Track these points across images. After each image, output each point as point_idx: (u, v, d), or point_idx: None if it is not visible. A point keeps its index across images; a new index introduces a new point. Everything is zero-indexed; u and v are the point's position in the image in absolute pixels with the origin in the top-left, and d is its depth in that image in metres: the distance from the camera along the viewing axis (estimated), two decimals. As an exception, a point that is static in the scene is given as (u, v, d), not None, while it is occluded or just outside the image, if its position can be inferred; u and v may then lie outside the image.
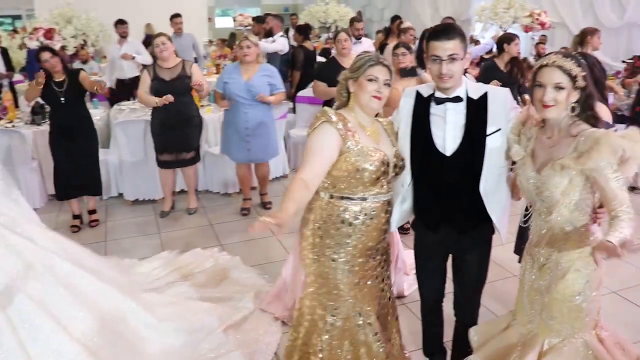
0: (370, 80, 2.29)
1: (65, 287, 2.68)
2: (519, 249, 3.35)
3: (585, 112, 2.08)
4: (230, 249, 4.56)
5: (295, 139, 6.75)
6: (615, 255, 1.81)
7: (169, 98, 4.69)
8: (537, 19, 8.18)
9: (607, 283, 3.86)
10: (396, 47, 4.55)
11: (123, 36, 7.74)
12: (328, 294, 2.43)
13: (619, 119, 7.33)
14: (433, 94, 2.38)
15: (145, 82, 4.93)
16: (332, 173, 2.31)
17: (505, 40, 5.52)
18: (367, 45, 7.06)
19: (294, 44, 8.32)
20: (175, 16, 8.16)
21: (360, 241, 2.36)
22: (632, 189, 5.88)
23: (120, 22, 7.79)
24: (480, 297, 2.63)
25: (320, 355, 2.47)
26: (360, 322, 2.45)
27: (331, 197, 2.35)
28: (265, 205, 5.48)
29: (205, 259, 4.23)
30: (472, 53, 8.92)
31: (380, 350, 2.48)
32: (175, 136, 4.99)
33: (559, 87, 2.02)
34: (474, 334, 2.47)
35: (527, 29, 8.28)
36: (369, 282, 2.46)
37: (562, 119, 2.10)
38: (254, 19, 9.72)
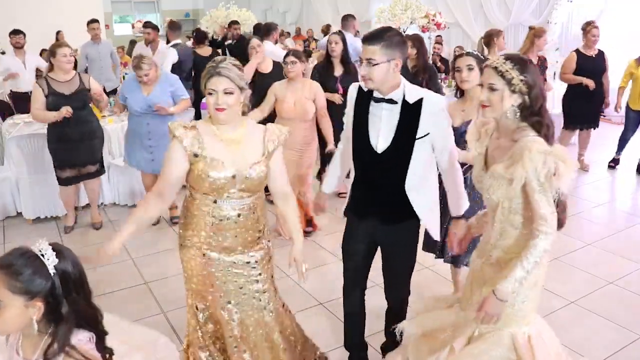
0: (210, 93, 2.26)
1: None
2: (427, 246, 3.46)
3: (528, 118, 2.04)
4: (141, 261, 4.45)
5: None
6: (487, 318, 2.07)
7: (69, 109, 4.45)
8: (433, 19, 8.54)
9: (563, 292, 3.82)
10: (286, 55, 4.42)
11: (17, 46, 7.21)
12: (201, 284, 2.54)
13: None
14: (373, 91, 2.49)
15: (39, 99, 4.57)
16: (187, 176, 2.39)
17: None
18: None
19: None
20: (92, 21, 7.60)
21: (213, 238, 2.43)
22: None
23: (15, 32, 7.22)
24: (407, 286, 2.78)
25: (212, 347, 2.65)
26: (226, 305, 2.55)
27: (190, 195, 2.47)
28: (172, 220, 5.25)
29: None
30: (319, 45, 9.26)
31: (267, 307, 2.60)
32: (80, 150, 4.77)
33: (491, 88, 2.03)
34: (420, 304, 2.61)
35: (424, 29, 8.63)
36: (223, 280, 2.51)
37: (506, 122, 2.08)
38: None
